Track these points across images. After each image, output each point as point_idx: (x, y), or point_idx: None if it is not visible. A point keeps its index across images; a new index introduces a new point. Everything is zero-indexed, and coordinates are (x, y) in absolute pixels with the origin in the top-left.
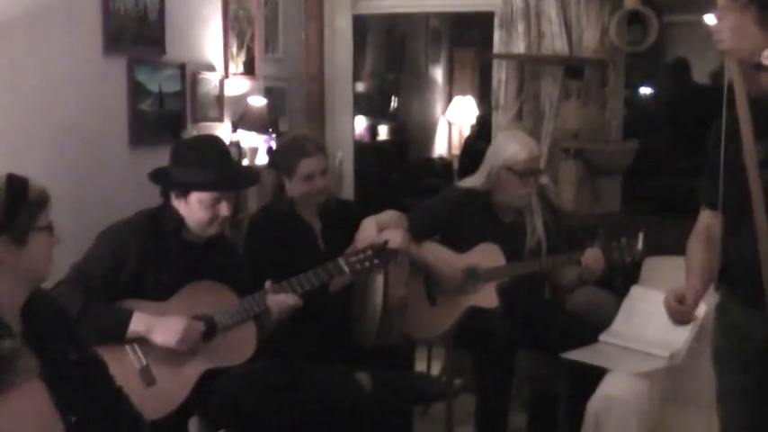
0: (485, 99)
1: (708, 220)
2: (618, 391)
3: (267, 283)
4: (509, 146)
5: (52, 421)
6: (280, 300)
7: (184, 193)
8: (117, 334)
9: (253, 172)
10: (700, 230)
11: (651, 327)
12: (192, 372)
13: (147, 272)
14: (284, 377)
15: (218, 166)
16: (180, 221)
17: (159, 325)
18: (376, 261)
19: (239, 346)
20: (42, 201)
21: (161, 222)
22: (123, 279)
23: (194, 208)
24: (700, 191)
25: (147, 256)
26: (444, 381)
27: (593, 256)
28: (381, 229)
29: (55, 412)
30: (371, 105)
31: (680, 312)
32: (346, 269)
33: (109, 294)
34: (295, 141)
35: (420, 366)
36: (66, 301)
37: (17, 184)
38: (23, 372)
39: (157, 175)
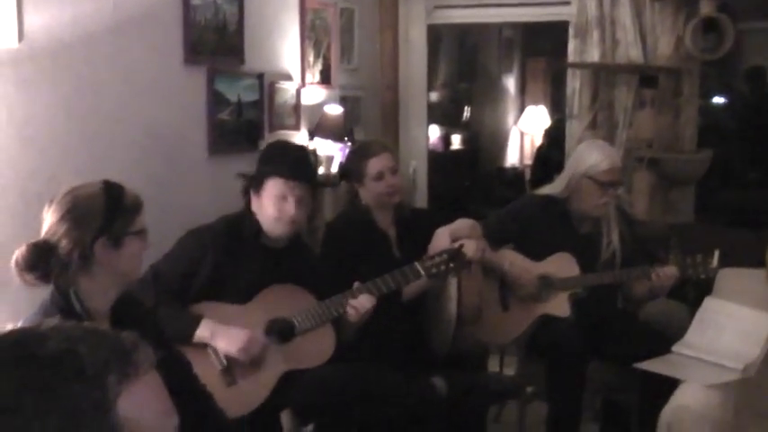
0: (557, 108)
1: None
2: (691, 401)
3: (356, 284)
4: (592, 154)
5: (172, 411)
6: (358, 302)
7: (258, 186)
8: (183, 338)
9: (326, 178)
10: None
11: (724, 338)
12: (272, 373)
13: (225, 275)
14: (360, 380)
15: (294, 161)
16: (258, 226)
17: (223, 333)
18: (451, 265)
19: (318, 349)
20: (137, 206)
21: (240, 227)
22: (199, 282)
23: (265, 202)
24: None
25: (225, 260)
26: (517, 382)
27: (666, 274)
28: (455, 238)
29: (171, 403)
30: (445, 115)
31: None
32: (422, 273)
33: (183, 296)
34: (360, 146)
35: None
36: (138, 299)
37: (114, 190)
38: (145, 362)
39: (242, 174)
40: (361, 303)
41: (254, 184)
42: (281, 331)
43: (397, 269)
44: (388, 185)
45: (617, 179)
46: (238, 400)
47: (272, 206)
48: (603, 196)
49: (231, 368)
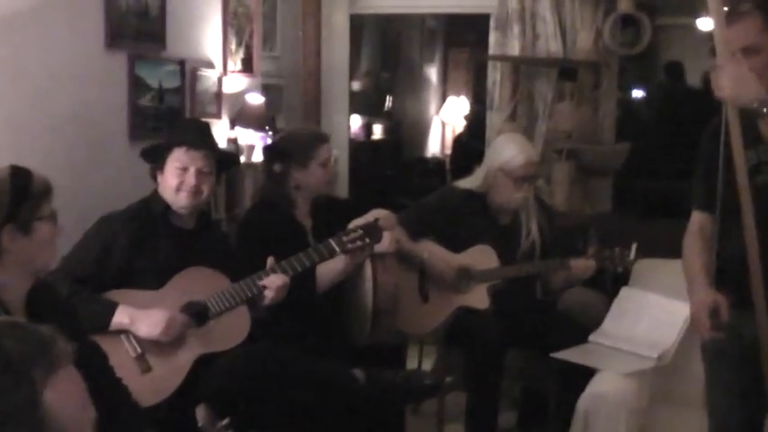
0: (478, 99)
1: (700, 222)
2: (607, 389)
3: (270, 260)
4: (506, 149)
5: (89, 405)
6: (270, 280)
7: (161, 162)
8: (100, 326)
9: (233, 154)
10: (695, 232)
11: (640, 327)
12: (187, 357)
13: (137, 259)
14: (278, 362)
15: (193, 132)
16: (165, 204)
17: (143, 317)
18: (367, 240)
19: (232, 331)
20: (46, 191)
21: (149, 209)
22: (113, 268)
23: (168, 175)
24: (692, 193)
25: (136, 244)
26: (436, 377)
27: (582, 266)
28: None
29: (88, 396)
30: (367, 104)
31: (713, 326)
32: (338, 249)
33: (97, 284)
34: (307, 130)
35: (411, 364)
36: (53, 289)
37: (21, 175)
38: (64, 354)
39: (144, 150)
40: (273, 282)
41: (157, 160)
42: (196, 314)
43: (311, 247)
44: (330, 174)
45: (532, 173)
46: (153, 386)
47: (174, 177)
48: (520, 190)
49: (145, 354)
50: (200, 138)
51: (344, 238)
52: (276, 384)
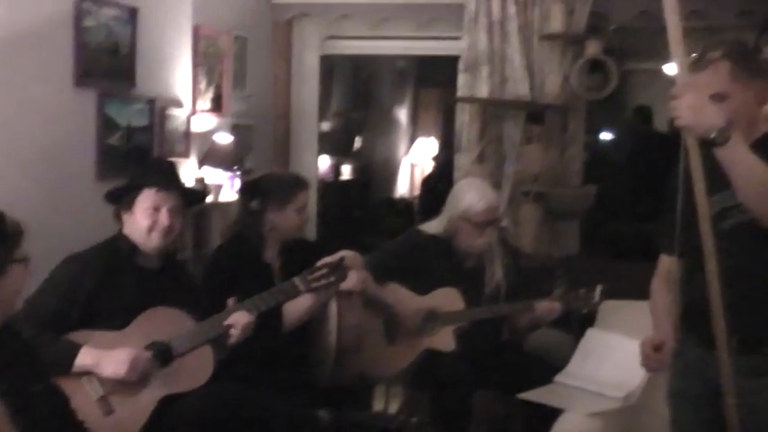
0: (448, 141)
1: (668, 266)
2: (572, 430)
3: (230, 301)
4: (467, 196)
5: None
6: (233, 318)
7: (130, 202)
8: (63, 368)
9: (200, 192)
10: (662, 275)
11: (606, 368)
12: (150, 399)
13: (102, 300)
14: (242, 404)
15: (162, 173)
16: (132, 245)
17: (107, 358)
18: (332, 278)
19: (196, 371)
20: (19, 233)
21: (115, 249)
22: (78, 308)
23: (138, 216)
24: (661, 237)
25: (101, 285)
26: (402, 418)
27: (547, 308)
28: None
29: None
30: (336, 144)
31: (657, 361)
32: (301, 287)
33: (61, 326)
34: (289, 174)
35: (378, 405)
36: (17, 331)
37: None
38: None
39: (108, 193)
40: (237, 320)
41: (124, 201)
42: (160, 354)
43: (276, 286)
44: (304, 220)
45: (494, 217)
46: (116, 428)
47: (146, 218)
48: (482, 235)
49: (107, 397)
50: (170, 178)
51: (309, 277)
52: (240, 426)
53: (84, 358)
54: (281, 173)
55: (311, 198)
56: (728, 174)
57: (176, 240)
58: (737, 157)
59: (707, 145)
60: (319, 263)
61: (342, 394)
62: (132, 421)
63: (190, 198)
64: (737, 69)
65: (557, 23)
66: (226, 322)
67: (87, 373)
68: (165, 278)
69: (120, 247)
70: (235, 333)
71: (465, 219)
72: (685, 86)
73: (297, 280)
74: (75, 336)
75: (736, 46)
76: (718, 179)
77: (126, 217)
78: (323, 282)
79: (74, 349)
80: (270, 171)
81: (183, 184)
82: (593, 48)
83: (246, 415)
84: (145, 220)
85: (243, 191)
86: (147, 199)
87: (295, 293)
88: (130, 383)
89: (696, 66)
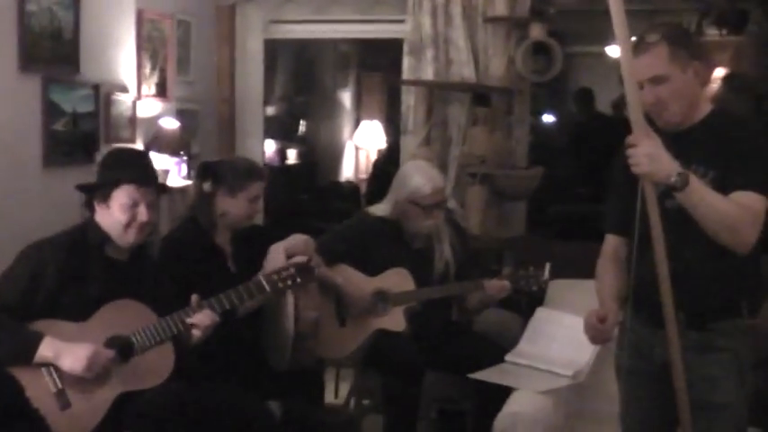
0: (392, 123)
1: (614, 245)
2: (523, 408)
3: (193, 298)
4: (413, 179)
5: None
6: (198, 319)
7: (106, 194)
8: (24, 358)
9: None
10: (608, 254)
11: (555, 346)
12: (107, 395)
13: (66, 289)
14: (196, 402)
15: (140, 167)
16: (103, 236)
17: (67, 352)
18: (299, 279)
19: (156, 369)
20: None
21: (84, 238)
22: (41, 297)
23: (114, 210)
24: (605, 217)
25: (67, 274)
26: (352, 412)
27: (497, 286)
28: (290, 254)
29: None
30: (281, 129)
31: (601, 332)
32: (267, 287)
33: (24, 314)
34: (247, 162)
35: (329, 387)
36: None
37: None
38: None
39: (83, 185)
40: (201, 320)
41: (100, 193)
42: (120, 350)
43: (240, 284)
44: (255, 210)
45: (440, 199)
46: (72, 423)
47: (123, 213)
48: (430, 217)
49: (65, 390)
50: (148, 172)
51: (275, 277)
52: (194, 422)
53: (46, 349)
54: (239, 159)
55: None
56: (692, 214)
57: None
58: (697, 198)
59: (667, 189)
60: (275, 254)
61: (296, 378)
62: (88, 417)
63: (162, 190)
64: (676, 51)
65: (501, 6)
66: (189, 320)
67: (48, 364)
68: (132, 270)
69: (89, 235)
70: (197, 334)
71: (412, 201)
72: (641, 135)
73: (263, 279)
74: (37, 325)
75: (673, 28)
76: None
77: (100, 208)
78: (289, 283)
79: (36, 340)
80: (230, 156)
81: (158, 176)
82: (537, 30)
83: (201, 411)
84: (122, 216)
85: (198, 173)
86: (124, 194)
87: (260, 292)
88: (90, 378)
89: (636, 49)
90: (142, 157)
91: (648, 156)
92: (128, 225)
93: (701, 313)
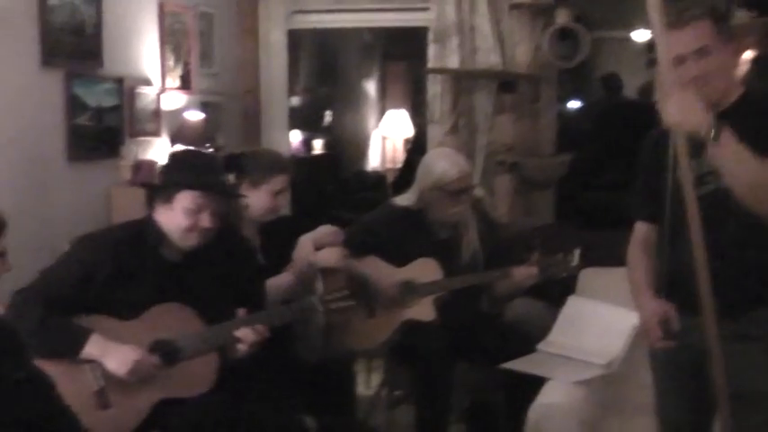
0: (418, 112)
1: (644, 232)
2: (557, 399)
3: (240, 311)
4: (438, 165)
5: None
6: (246, 335)
7: (169, 196)
8: (71, 353)
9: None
10: (639, 242)
11: (588, 336)
12: (147, 400)
13: (118, 286)
14: (235, 417)
15: (208, 172)
16: (161, 235)
17: (113, 352)
18: (351, 302)
19: (199, 378)
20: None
21: (142, 235)
22: (92, 291)
23: (176, 213)
24: (634, 204)
25: (120, 270)
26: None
27: (525, 273)
28: (318, 246)
29: None
30: (306, 119)
31: (661, 340)
32: (320, 308)
33: (73, 307)
34: (273, 154)
35: (360, 378)
36: (26, 311)
37: None
38: None
39: (147, 184)
40: (245, 334)
41: (163, 193)
42: (166, 354)
43: (294, 303)
44: (279, 205)
45: (467, 185)
46: (109, 424)
47: (186, 218)
48: (456, 204)
49: (106, 390)
50: (215, 179)
51: (328, 297)
52: None
53: (92, 347)
54: (264, 152)
55: None
56: (719, 168)
57: None
58: (728, 152)
59: (698, 143)
60: (303, 249)
61: (326, 370)
62: (126, 419)
63: (228, 195)
64: (720, 26)
65: None
66: (235, 333)
67: (92, 361)
68: (184, 272)
69: (146, 233)
70: (242, 348)
71: (438, 188)
72: (673, 86)
73: (316, 301)
74: (85, 319)
75: (714, 5)
76: (694, 145)
77: (161, 208)
78: (341, 304)
79: (85, 335)
80: (256, 148)
81: (225, 181)
82: (562, 16)
83: (239, 426)
84: (185, 221)
85: (224, 164)
86: (189, 199)
87: (312, 313)
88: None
89: (676, 23)
90: (211, 162)
91: (680, 105)
92: (190, 229)
93: (735, 302)
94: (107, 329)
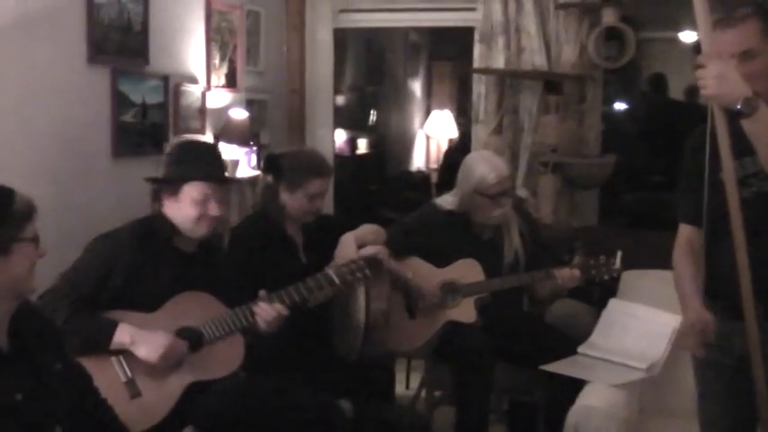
0: (462, 113)
1: (688, 235)
2: (597, 402)
3: (261, 293)
4: (477, 169)
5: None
6: (267, 312)
7: (176, 189)
8: (101, 344)
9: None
10: (683, 245)
11: (629, 339)
12: (178, 384)
13: (137, 280)
14: (270, 396)
15: (210, 162)
16: (172, 228)
17: (143, 338)
18: (367, 272)
19: (225, 359)
20: (28, 212)
21: (153, 229)
22: (112, 287)
23: (185, 204)
24: (678, 207)
25: (138, 265)
26: (423, 409)
27: (568, 275)
28: (360, 244)
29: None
30: (351, 118)
31: (698, 349)
32: (337, 280)
33: (97, 303)
34: (311, 157)
35: (399, 378)
36: (52, 310)
37: (2, 195)
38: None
39: (152, 178)
40: (268, 313)
41: (169, 187)
42: (190, 340)
43: (309, 276)
44: (316, 208)
45: (506, 188)
46: (142, 412)
47: (194, 208)
48: (497, 207)
49: (135, 379)
50: (219, 168)
51: (344, 269)
52: (264, 418)
53: (122, 335)
54: (304, 154)
55: None
56: (755, 144)
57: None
58: (764, 127)
59: (733, 125)
60: (346, 246)
61: (366, 370)
62: (159, 406)
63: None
64: (766, 27)
65: None
66: (258, 314)
67: (117, 353)
68: (200, 262)
69: (157, 227)
70: (264, 326)
71: (478, 192)
72: (711, 55)
73: (332, 272)
74: (110, 315)
75: (761, 5)
76: (736, 146)
77: (169, 201)
78: (359, 275)
79: (112, 326)
80: (297, 148)
81: (227, 170)
82: (609, 16)
83: (271, 408)
84: (193, 211)
85: (264, 164)
86: (196, 190)
87: (330, 285)
88: (160, 367)
89: (724, 23)
90: (212, 151)
91: (717, 77)
92: (199, 219)
93: None
94: (132, 323)
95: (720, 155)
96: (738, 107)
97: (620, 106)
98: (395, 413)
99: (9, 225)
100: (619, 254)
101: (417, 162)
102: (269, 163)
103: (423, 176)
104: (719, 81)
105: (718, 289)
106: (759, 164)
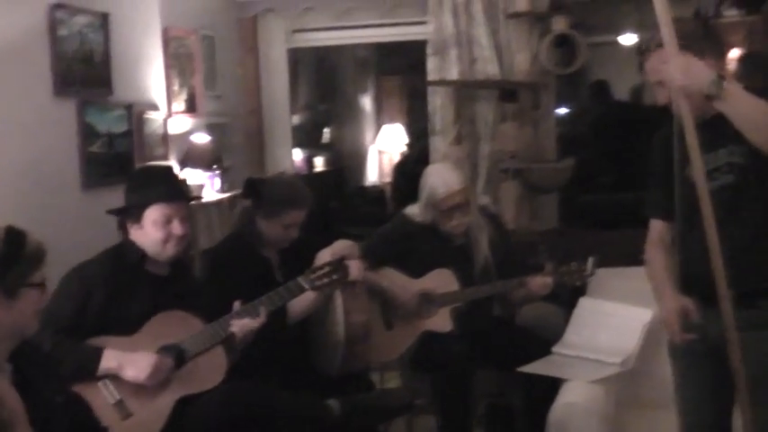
0: (414, 125)
1: (660, 230)
2: (577, 398)
3: (236, 303)
4: (428, 183)
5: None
6: (241, 323)
7: (138, 215)
8: (89, 372)
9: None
10: (655, 240)
11: (601, 335)
12: (167, 400)
13: (113, 307)
14: (257, 398)
15: (167, 183)
16: (141, 253)
17: (129, 361)
18: (335, 277)
19: (210, 372)
20: (39, 256)
21: (123, 257)
22: (90, 316)
23: (149, 229)
24: (648, 203)
25: (113, 292)
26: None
27: (540, 283)
28: None
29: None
30: (306, 137)
31: (681, 334)
32: (306, 286)
33: (78, 333)
34: (290, 187)
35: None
36: (37, 344)
37: (15, 237)
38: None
39: (115, 210)
40: (244, 324)
41: (131, 215)
42: (173, 357)
43: (282, 286)
44: (290, 236)
45: (458, 202)
46: (137, 431)
47: (158, 231)
48: (452, 219)
49: (124, 401)
50: (177, 187)
51: (312, 276)
52: (255, 422)
53: (109, 361)
54: (283, 183)
55: None
56: (734, 122)
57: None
58: (737, 103)
59: (706, 99)
60: (321, 262)
61: (346, 384)
62: (152, 423)
63: (191, 200)
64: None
65: (522, 1)
66: (230, 329)
67: (101, 378)
68: (174, 283)
69: (127, 254)
70: (241, 337)
71: (431, 204)
72: (670, 52)
73: (301, 279)
74: (91, 342)
75: (681, 27)
76: (706, 141)
77: (133, 228)
78: (326, 280)
79: (97, 353)
80: (278, 176)
81: (187, 189)
82: (559, 23)
83: (261, 411)
84: (158, 233)
85: (244, 187)
86: (156, 212)
87: (300, 291)
88: (147, 386)
89: (648, 48)
90: (168, 173)
91: (682, 68)
92: (165, 240)
93: (749, 291)
94: (114, 347)
95: (687, 151)
96: (708, 91)
97: (565, 110)
98: (377, 396)
99: (19, 268)
100: (591, 260)
101: (371, 177)
102: (249, 188)
103: (377, 191)
104: (685, 71)
105: (692, 277)
106: (722, 158)
